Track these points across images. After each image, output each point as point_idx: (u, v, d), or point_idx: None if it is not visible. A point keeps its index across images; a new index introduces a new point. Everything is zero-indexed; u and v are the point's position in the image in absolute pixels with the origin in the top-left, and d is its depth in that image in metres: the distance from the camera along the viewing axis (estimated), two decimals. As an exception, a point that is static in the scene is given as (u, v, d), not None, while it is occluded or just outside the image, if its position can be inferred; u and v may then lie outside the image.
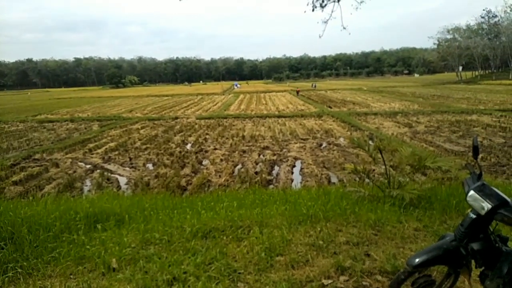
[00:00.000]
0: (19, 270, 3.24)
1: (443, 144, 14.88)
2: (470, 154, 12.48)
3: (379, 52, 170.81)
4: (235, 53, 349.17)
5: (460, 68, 76.69)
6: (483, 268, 2.29)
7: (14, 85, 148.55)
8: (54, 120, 27.39)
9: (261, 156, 13.87)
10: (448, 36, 79.62)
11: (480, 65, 79.49)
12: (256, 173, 11.52)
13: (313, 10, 8.47)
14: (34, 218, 4.35)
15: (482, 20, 76.81)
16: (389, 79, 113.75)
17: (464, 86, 58.60)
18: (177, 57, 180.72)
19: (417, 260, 2.28)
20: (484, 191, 2.13)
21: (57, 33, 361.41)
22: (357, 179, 9.44)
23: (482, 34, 76.85)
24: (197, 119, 26.10)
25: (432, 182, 8.10)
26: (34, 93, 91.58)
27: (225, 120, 25.08)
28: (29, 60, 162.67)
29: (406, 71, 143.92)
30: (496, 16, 74.96)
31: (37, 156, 14.86)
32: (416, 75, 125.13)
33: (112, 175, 12.07)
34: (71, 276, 3.18)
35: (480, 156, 12.16)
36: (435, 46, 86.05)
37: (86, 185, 11.08)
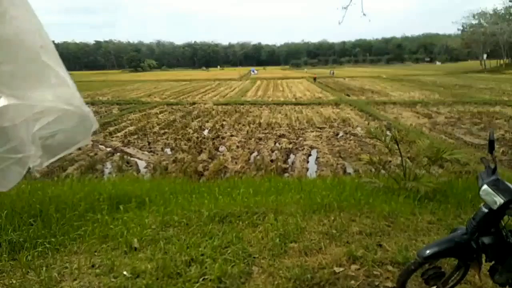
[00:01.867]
0: (48, 245, 3.41)
1: (463, 136, 14.58)
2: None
3: (400, 38, 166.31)
4: (253, 38, 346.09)
5: (485, 56, 73.66)
6: (493, 262, 2.32)
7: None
8: (75, 103, 27.96)
9: (277, 144, 13.94)
10: (473, 21, 76.51)
11: (506, 53, 76.18)
12: (272, 161, 11.61)
13: None
14: (61, 198, 4.58)
15: (510, 4, 73.18)
16: (410, 66, 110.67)
17: (488, 76, 56.62)
18: (195, 41, 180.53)
19: (427, 251, 2.32)
20: (498, 186, 2.12)
21: (76, 14, 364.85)
22: (373, 170, 9.42)
23: (509, 19, 73.13)
24: (214, 105, 26.24)
25: (449, 175, 8.02)
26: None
27: (242, 106, 25.13)
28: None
29: (427, 59, 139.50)
30: (526, -1, 71.36)
31: (59, 137, 15.31)
32: (438, 63, 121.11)
33: (132, 158, 12.40)
34: (96, 253, 3.37)
35: (500, 150, 11.92)
36: (459, 32, 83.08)
37: (107, 168, 11.44)
